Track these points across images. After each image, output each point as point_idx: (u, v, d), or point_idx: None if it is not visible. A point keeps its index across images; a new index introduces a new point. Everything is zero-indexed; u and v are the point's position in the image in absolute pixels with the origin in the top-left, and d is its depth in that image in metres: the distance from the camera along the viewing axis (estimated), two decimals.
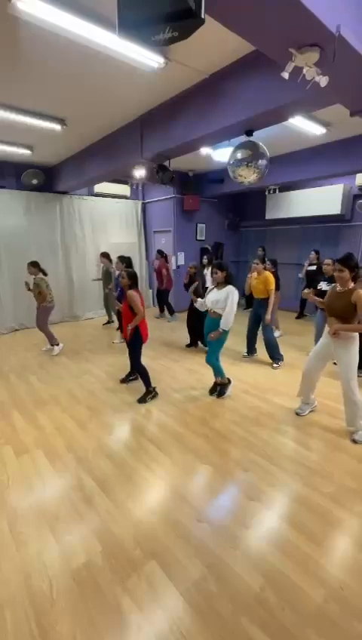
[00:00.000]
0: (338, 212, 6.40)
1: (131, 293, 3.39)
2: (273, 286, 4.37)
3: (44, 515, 2.13)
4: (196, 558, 1.83)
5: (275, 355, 4.55)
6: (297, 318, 7.21)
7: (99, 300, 7.56)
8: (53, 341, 5.11)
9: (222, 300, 3.31)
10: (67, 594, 1.65)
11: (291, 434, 3.01)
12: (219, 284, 3.40)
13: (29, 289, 4.89)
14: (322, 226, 7.09)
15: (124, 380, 4.06)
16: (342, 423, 3.07)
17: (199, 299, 3.63)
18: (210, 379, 3.93)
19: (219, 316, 3.33)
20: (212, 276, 3.45)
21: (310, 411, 3.33)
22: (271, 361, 4.60)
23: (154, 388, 3.68)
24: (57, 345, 5.13)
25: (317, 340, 4.81)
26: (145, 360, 3.68)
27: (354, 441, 2.84)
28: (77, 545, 1.92)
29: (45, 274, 4.96)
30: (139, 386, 3.77)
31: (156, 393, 3.69)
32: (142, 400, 3.58)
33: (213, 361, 3.57)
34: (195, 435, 3.00)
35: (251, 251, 8.21)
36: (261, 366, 4.58)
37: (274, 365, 4.52)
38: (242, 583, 1.70)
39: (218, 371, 3.62)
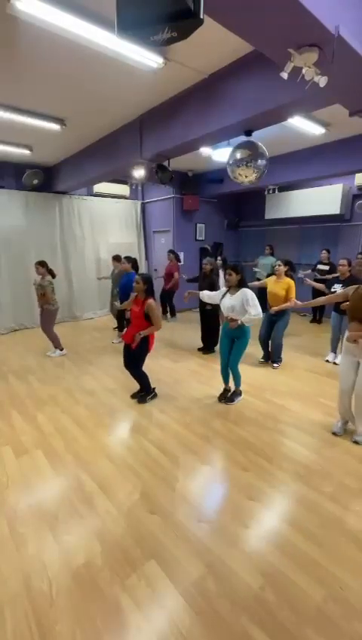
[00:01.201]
0: (338, 212, 6.41)
1: (152, 303, 3.25)
2: (294, 294, 4.20)
3: (43, 515, 2.13)
4: (196, 557, 1.83)
5: (278, 357, 4.55)
6: (312, 321, 6.98)
7: (99, 300, 7.57)
8: (56, 345, 5.05)
9: (238, 306, 3.23)
10: (67, 594, 1.65)
11: (291, 434, 3.01)
12: (231, 288, 3.34)
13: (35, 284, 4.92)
14: (321, 226, 7.09)
15: (135, 396, 3.73)
16: None
17: (205, 292, 3.61)
18: (209, 379, 3.94)
19: (238, 325, 3.26)
20: (225, 278, 3.37)
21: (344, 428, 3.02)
22: (269, 362, 4.59)
23: (153, 389, 3.68)
24: (61, 350, 5.09)
25: (333, 342, 4.69)
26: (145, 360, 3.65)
27: (356, 442, 2.83)
28: (76, 545, 1.92)
29: (54, 275, 4.90)
30: (136, 386, 3.75)
31: (155, 394, 3.69)
32: (142, 400, 3.58)
33: (237, 369, 3.51)
34: (195, 435, 3.01)
35: (251, 251, 8.21)
36: (260, 366, 4.58)
37: (275, 366, 4.53)
38: (242, 582, 1.70)
39: (238, 379, 3.57)
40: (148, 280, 3.33)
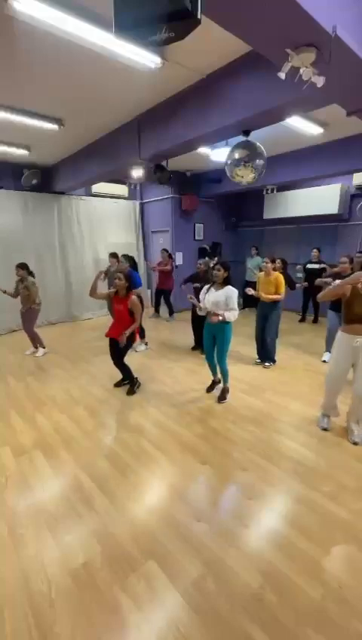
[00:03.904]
0: (336, 212, 6.41)
1: (135, 300, 3.43)
2: (283, 288, 4.22)
3: (42, 515, 2.13)
4: (195, 557, 1.83)
5: (270, 357, 4.53)
6: (301, 321, 6.99)
7: (97, 300, 7.53)
8: (39, 343, 5.09)
9: (222, 302, 3.28)
10: (66, 594, 1.65)
11: (290, 433, 3.01)
12: (216, 284, 3.36)
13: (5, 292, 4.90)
14: (320, 226, 7.10)
15: (119, 384, 4.00)
16: (341, 422, 3.08)
17: (202, 304, 3.49)
18: (208, 379, 3.93)
19: (219, 320, 3.28)
20: (213, 273, 3.38)
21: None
22: (263, 360, 4.58)
23: (136, 378, 3.83)
24: (43, 347, 5.13)
25: (329, 342, 4.61)
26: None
27: (355, 444, 2.82)
28: (76, 545, 1.91)
29: (33, 276, 4.93)
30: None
31: (139, 383, 3.86)
32: (131, 392, 3.71)
33: (225, 365, 3.53)
34: (194, 435, 3.01)
35: (249, 251, 8.21)
36: (258, 366, 4.58)
37: (266, 365, 4.50)
38: (241, 582, 1.70)
39: (227, 376, 3.59)
40: (129, 277, 3.48)
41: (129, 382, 3.80)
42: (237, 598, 1.62)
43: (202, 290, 3.53)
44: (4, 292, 4.92)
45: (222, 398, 3.59)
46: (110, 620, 1.54)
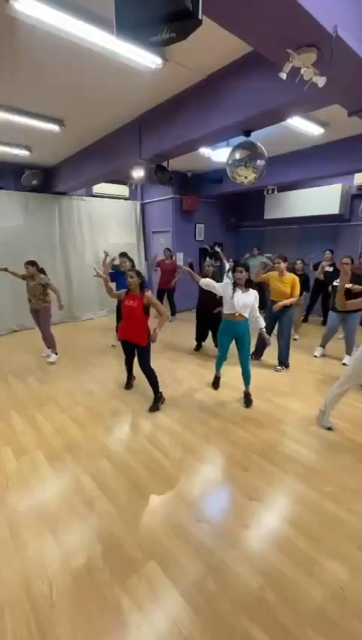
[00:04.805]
0: (337, 212, 6.41)
1: (151, 294, 3.34)
2: (298, 290, 4.18)
3: (43, 516, 2.13)
4: (196, 558, 1.83)
5: (284, 361, 4.46)
6: (303, 321, 6.88)
7: (98, 300, 7.56)
8: (52, 347, 4.90)
9: (250, 304, 3.36)
10: (67, 595, 1.65)
11: (291, 434, 3.01)
12: (240, 285, 3.36)
13: (19, 276, 4.76)
14: (321, 226, 7.09)
15: (129, 386, 3.90)
16: (341, 422, 3.08)
17: (206, 279, 3.57)
18: (209, 379, 3.93)
19: (245, 319, 3.42)
20: (235, 275, 3.36)
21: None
22: (274, 363, 4.52)
23: (161, 392, 3.50)
24: (55, 353, 4.92)
25: (325, 340, 4.78)
26: None
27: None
28: (77, 546, 1.91)
29: (45, 274, 4.80)
30: (137, 386, 3.75)
31: (163, 397, 3.54)
32: (155, 408, 3.39)
33: (249, 367, 3.56)
34: (195, 435, 3.00)
35: (250, 251, 8.20)
36: (261, 367, 4.57)
37: (278, 368, 4.43)
38: (242, 582, 1.70)
39: (250, 378, 3.59)
40: (141, 274, 3.39)
41: (153, 392, 3.46)
42: (238, 599, 1.62)
43: (220, 285, 3.52)
44: (6, 269, 4.73)
45: (250, 402, 3.51)
46: (111, 620, 1.54)
